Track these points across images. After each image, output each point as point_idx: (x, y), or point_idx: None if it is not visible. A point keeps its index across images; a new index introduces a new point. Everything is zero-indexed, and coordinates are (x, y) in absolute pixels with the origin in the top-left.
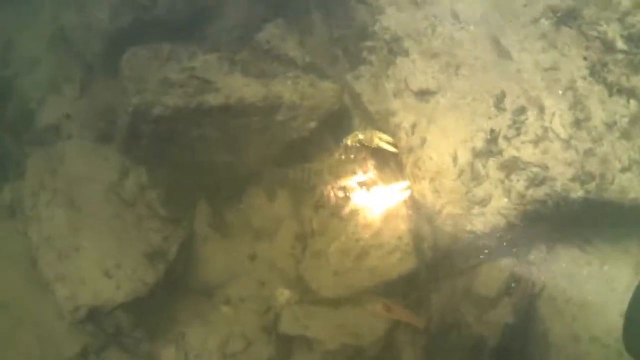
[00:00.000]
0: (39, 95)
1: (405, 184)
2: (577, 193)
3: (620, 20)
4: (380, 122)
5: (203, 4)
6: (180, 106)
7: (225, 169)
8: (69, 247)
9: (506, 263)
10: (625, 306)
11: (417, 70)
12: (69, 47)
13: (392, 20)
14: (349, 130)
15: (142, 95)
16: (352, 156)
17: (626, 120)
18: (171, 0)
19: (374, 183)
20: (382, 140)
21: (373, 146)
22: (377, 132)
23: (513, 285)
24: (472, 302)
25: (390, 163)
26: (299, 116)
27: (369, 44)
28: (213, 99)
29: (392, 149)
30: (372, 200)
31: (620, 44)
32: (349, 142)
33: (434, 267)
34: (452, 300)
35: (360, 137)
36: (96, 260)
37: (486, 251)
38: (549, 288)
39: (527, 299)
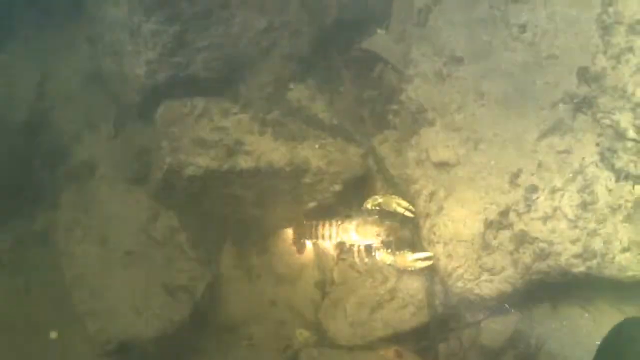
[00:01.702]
0: (73, 131)
1: (427, 253)
2: (579, 268)
3: (633, 110)
4: (401, 186)
5: (238, 61)
6: (212, 167)
7: (252, 220)
8: (100, 283)
9: (511, 319)
10: None
11: (438, 142)
12: (104, 87)
13: (419, 90)
14: (371, 192)
15: (176, 155)
16: (376, 216)
17: (630, 204)
18: (206, 59)
19: (394, 244)
20: (399, 206)
21: (391, 210)
22: (395, 197)
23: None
24: (478, 353)
25: (408, 226)
26: (324, 180)
27: (394, 107)
28: (244, 162)
29: (408, 214)
30: (390, 259)
31: (631, 133)
32: (369, 205)
33: (443, 320)
34: (459, 350)
35: (380, 200)
36: (126, 297)
37: (492, 309)
38: (549, 344)
39: (529, 353)
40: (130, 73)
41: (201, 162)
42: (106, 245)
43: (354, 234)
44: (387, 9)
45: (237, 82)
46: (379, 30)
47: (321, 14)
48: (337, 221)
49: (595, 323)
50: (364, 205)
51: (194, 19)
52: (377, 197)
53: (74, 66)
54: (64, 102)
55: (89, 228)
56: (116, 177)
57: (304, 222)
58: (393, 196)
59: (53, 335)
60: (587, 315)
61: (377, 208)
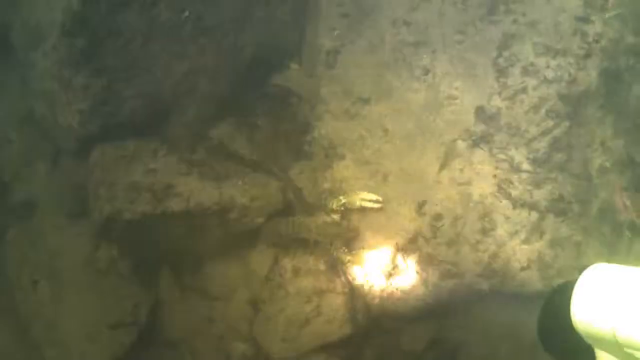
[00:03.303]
0: (12, 169)
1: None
2: (483, 285)
3: (527, 145)
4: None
5: (163, 104)
6: (147, 212)
7: (185, 248)
8: (54, 314)
9: (429, 324)
10: None
11: (349, 176)
12: (38, 128)
13: (329, 127)
14: (292, 218)
15: (113, 202)
16: (337, 217)
17: (527, 229)
18: (134, 105)
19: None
20: (364, 200)
21: (356, 207)
22: (360, 192)
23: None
24: (400, 356)
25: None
26: (248, 215)
27: (308, 139)
28: (175, 205)
29: (375, 205)
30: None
31: (525, 165)
32: (334, 206)
33: (366, 329)
34: (384, 352)
35: (343, 200)
36: (79, 327)
37: (410, 318)
38: (466, 346)
39: (448, 354)
40: (63, 122)
41: (137, 207)
42: (55, 278)
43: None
44: (299, 45)
45: (164, 123)
46: (292, 65)
47: (237, 53)
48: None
49: (507, 325)
50: (329, 206)
51: (120, 71)
52: (340, 197)
53: (7, 107)
54: (0, 142)
55: (38, 264)
56: (57, 213)
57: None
58: (356, 192)
59: None
60: (499, 318)
61: (342, 208)
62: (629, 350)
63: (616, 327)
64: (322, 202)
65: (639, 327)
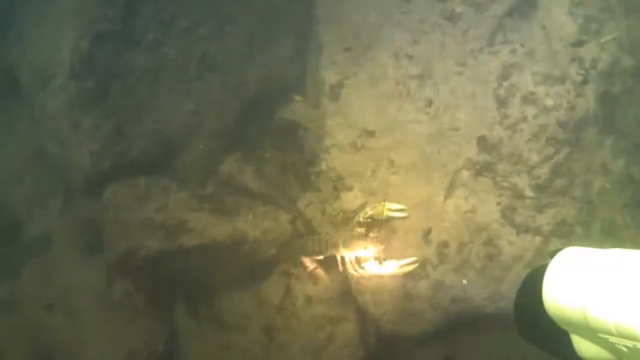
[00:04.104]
0: (25, 207)
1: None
2: (490, 308)
3: (529, 172)
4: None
5: (172, 141)
6: (161, 248)
7: (200, 281)
8: (72, 349)
9: (438, 346)
10: None
11: (358, 206)
12: (49, 166)
13: (336, 160)
14: (318, 236)
15: (128, 241)
16: (364, 230)
17: (530, 253)
18: (144, 144)
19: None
20: (391, 210)
21: (383, 218)
22: (386, 203)
23: None
24: None
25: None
26: (261, 247)
27: (316, 170)
28: (189, 241)
29: (401, 215)
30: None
31: (528, 192)
32: (361, 218)
33: (378, 352)
34: None
35: (370, 212)
36: (97, 358)
37: (421, 340)
38: None
39: None
40: (75, 161)
41: (152, 244)
42: (72, 312)
43: (345, 249)
44: (302, 79)
45: (174, 159)
46: (296, 97)
47: (242, 88)
48: (328, 235)
49: (514, 344)
50: (356, 218)
51: (129, 110)
52: (367, 210)
53: (17, 145)
54: (12, 180)
55: (54, 298)
56: (71, 248)
57: (298, 239)
58: (383, 203)
59: None
60: (506, 339)
61: (369, 220)
62: (602, 335)
63: (588, 312)
64: (349, 216)
65: (611, 311)
